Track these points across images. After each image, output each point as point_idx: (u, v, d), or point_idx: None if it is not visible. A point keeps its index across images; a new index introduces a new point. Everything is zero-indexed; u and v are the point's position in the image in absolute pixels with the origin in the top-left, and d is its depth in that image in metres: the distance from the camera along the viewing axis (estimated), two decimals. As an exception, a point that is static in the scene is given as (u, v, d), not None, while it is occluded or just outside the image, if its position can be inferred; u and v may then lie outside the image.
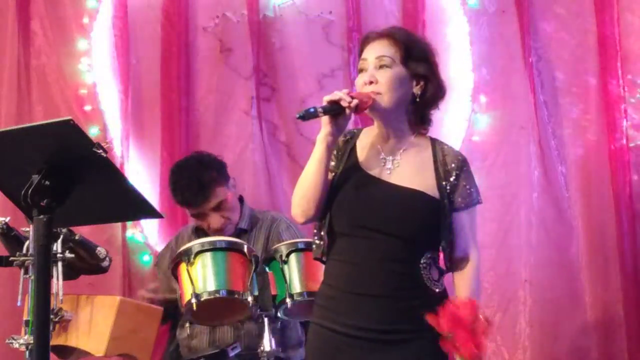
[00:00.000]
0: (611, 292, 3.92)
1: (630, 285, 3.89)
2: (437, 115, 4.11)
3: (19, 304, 3.00)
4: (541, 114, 4.04)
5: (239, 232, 3.67)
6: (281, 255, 3.20)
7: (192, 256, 3.14)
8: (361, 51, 2.77)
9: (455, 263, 2.69)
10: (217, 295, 3.11)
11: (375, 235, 2.62)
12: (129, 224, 4.29)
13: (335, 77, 4.27)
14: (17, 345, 2.96)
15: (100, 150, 2.24)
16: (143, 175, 4.42)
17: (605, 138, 3.96)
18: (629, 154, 3.94)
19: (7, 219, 3.08)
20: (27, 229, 2.96)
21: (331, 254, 2.72)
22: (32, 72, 4.54)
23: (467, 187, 2.70)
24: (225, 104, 4.40)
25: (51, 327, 2.93)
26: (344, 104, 2.60)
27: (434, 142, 2.77)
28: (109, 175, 2.34)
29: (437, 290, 2.64)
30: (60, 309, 3.03)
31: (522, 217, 4.03)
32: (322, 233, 2.73)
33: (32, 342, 2.86)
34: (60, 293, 2.96)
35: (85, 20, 4.53)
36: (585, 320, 3.95)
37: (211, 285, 3.12)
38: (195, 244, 3.19)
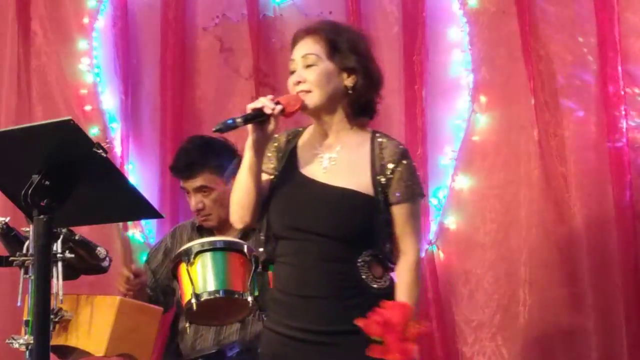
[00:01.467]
0: (611, 292, 3.91)
1: (630, 285, 3.89)
2: (436, 115, 4.14)
3: (19, 304, 3.00)
4: (541, 114, 4.03)
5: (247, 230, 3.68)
6: (281, 255, 3.20)
7: (192, 256, 3.14)
8: (291, 52, 2.77)
9: (394, 258, 2.68)
10: (217, 295, 3.11)
11: (310, 237, 2.63)
12: (129, 223, 4.29)
13: (335, 77, 4.27)
14: (17, 345, 2.95)
15: (100, 150, 2.25)
16: (143, 175, 4.42)
17: (605, 138, 3.96)
18: (629, 154, 3.93)
19: (7, 219, 3.07)
20: (27, 229, 2.95)
21: (277, 257, 2.74)
22: (32, 72, 4.55)
23: (405, 180, 2.67)
24: (226, 104, 4.41)
25: (51, 327, 2.93)
26: (267, 111, 2.61)
27: (373, 135, 2.74)
28: (109, 175, 2.35)
29: (378, 287, 2.63)
30: (60, 309, 3.03)
31: (522, 217, 4.03)
32: (262, 236, 2.76)
33: (32, 342, 2.85)
34: (60, 293, 2.96)
35: (86, 20, 4.54)
36: (585, 320, 3.94)
37: (211, 286, 3.12)
38: (195, 244, 3.19)
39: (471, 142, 4.12)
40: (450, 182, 4.11)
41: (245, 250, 3.19)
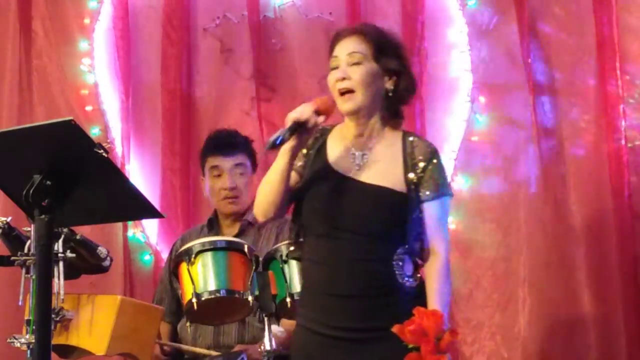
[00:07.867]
0: (610, 292, 3.93)
1: (629, 285, 3.90)
2: (436, 115, 4.15)
3: (20, 303, 3.01)
4: (540, 114, 4.05)
5: (246, 225, 3.69)
6: (281, 255, 3.21)
7: (193, 256, 3.15)
8: (332, 49, 2.77)
9: (424, 256, 2.69)
10: (218, 294, 3.12)
11: (346, 235, 2.64)
12: (129, 223, 4.31)
13: (335, 77, 4.27)
14: (18, 345, 2.96)
15: (101, 151, 2.26)
16: (144, 175, 4.43)
17: (603, 138, 3.97)
18: (628, 154, 3.94)
19: (9, 219, 3.09)
20: (29, 229, 2.97)
21: (305, 255, 2.76)
22: (34, 73, 4.55)
23: (435, 178, 2.69)
24: (226, 104, 4.42)
25: (52, 327, 2.95)
26: (310, 124, 2.63)
27: (405, 135, 2.76)
28: (110, 175, 2.36)
29: (410, 285, 2.66)
30: (62, 308, 3.04)
31: (521, 217, 4.05)
32: (298, 236, 2.79)
33: (33, 341, 2.87)
34: (62, 292, 2.97)
35: (87, 20, 4.54)
36: (584, 320, 3.96)
37: (212, 285, 3.13)
38: (196, 243, 3.21)
39: (470, 142, 4.13)
40: (449, 182, 4.12)
41: (246, 249, 3.21)
